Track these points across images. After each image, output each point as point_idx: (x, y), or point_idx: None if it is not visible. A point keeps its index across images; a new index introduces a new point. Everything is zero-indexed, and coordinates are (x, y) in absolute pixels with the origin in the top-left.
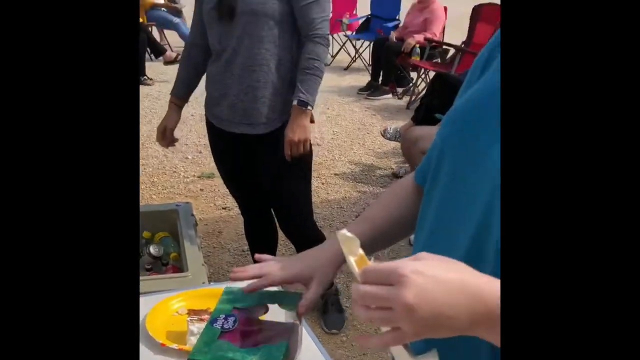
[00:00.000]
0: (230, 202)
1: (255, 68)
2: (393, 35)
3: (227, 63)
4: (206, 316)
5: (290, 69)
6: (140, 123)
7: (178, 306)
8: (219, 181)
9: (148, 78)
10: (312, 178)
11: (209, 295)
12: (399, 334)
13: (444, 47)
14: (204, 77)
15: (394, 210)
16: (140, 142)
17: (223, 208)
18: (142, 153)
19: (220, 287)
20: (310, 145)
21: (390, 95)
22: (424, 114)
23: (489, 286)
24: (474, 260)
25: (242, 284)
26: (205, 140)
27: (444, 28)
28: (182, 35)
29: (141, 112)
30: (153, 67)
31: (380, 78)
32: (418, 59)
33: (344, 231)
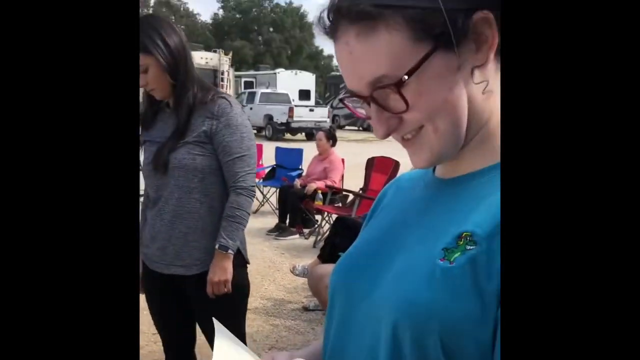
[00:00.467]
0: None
1: (185, 215)
2: (297, 182)
3: (159, 210)
4: None
5: (220, 216)
6: None
7: None
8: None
9: None
10: None
11: None
12: None
13: (344, 193)
14: None
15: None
16: None
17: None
18: None
19: None
20: (248, 285)
21: (297, 236)
22: (329, 252)
23: None
24: None
25: None
26: None
27: (342, 175)
28: None
29: None
30: None
31: (287, 220)
32: (321, 203)
33: None
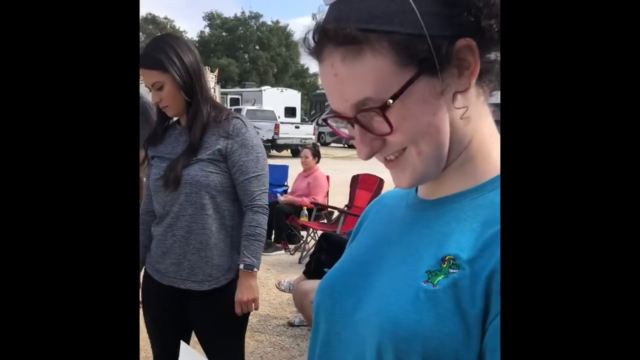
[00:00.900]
0: None
1: (198, 231)
2: (283, 198)
3: (168, 225)
4: None
5: (231, 234)
6: None
7: None
8: None
9: None
10: None
11: None
12: None
13: (329, 209)
14: None
15: None
16: None
17: None
18: None
19: None
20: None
21: (283, 252)
22: (314, 268)
23: None
24: None
25: None
26: None
27: (327, 192)
28: None
29: None
30: None
31: (273, 236)
32: (306, 219)
33: None
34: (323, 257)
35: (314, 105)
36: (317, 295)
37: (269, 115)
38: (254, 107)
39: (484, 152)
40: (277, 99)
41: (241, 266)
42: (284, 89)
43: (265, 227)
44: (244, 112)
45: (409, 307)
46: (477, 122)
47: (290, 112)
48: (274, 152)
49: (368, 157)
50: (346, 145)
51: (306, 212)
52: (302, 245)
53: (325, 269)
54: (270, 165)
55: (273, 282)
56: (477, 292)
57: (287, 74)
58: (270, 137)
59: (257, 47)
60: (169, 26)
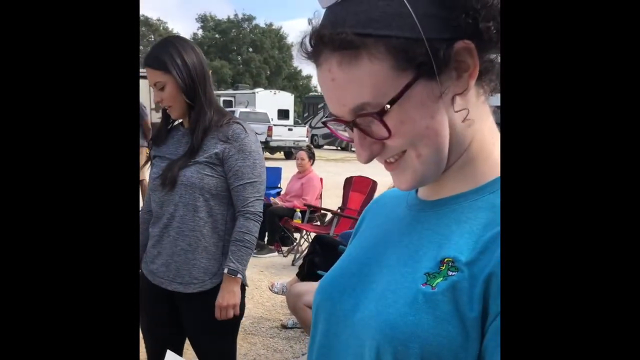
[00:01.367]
0: None
1: (188, 233)
2: (276, 200)
3: (164, 226)
4: None
5: (223, 238)
6: None
7: None
8: None
9: None
10: None
11: None
12: None
13: (322, 211)
14: None
15: None
16: None
17: None
18: None
19: None
20: (242, 307)
21: (276, 254)
22: (308, 270)
23: None
24: None
25: None
26: None
27: (321, 194)
28: None
29: None
30: None
31: (266, 238)
32: (300, 222)
33: None
34: (316, 259)
35: (307, 107)
36: (317, 295)
37: (262, 118)
38: (247, 110)
39: (485, 153)
40: (270, 101)
41: (225, 270)
42: (277, 91)
43: (256, 235)
44: (237, 114)
45: (407, 310)
46: (477, 123)
47: (283, 114)
48: (267, 155)
49: (368, 161)
50: (339, 148)
51: (299, 214)
52: (295, 248)
53: (319, 271)
54: None
55: (266, 285)
56: (475, 295)
57: (280, 76)
58: (263, 140)
59: (250, 50)
60: (161, 28)
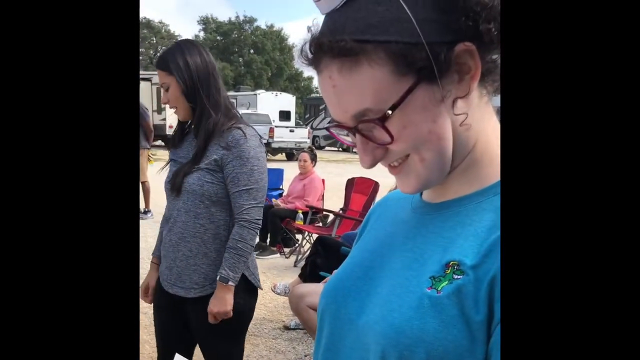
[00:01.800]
0: None
1: (189, 239)
2: (278, 202)
3: (169, 230)
4: None
5: (225, 244)
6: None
7: None
8: None
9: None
10: None
11: None
12: None
13: (324, 212)
14: None
15: None
16: None
17: None
18: None
19: None
20: (249, 310)
21: (278, 255)
22: (310, 272)
23: None
24: None
25: None
26: None
27: (323, 195)
28: None
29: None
30: None
31: (268, 239)
32: (302, 223)
33: None
34: (319, 260)
35: (309, 109)
36: (322, 299)
37: (264, 119)
38: (249, 111)
39: (489, 155)
40: (272, 102)
41: (217, 277)
42: (278, 92)
43: (252, 242)
44: None
45: (412, 314)
46: (481, 125)
47: (284, 115)
48: (268, 156)
49: (371, 166)
50: (341, 149)
51: (301, 215)
52: (298, 249)
53: (321, 272)
54: None
55: (268, 286)
56: (480, 298)
57: (281, 77)
58: (265, 141)
59: (251, 51)
60: (163, 30)
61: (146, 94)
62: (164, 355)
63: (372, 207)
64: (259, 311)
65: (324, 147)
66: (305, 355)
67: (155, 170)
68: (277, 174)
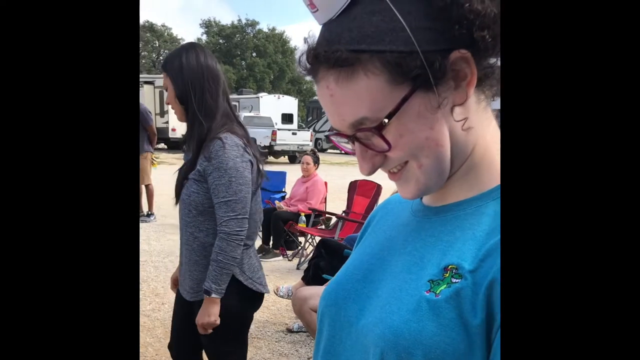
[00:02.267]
0: None
1: (184, 246)
2: (281, 204)
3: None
4: None
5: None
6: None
7: None
8: None
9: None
10: None
11: None
12: None
13: (327, 215)
14: None
15: None
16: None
17: None
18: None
19: None
20: (247, 315)
21: (281, 258)
22: (313, 274)
23: None
24: None
25: None
26: None
27: (325, 198)
28: None
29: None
30: None
31: (271, 242)
32: (304, 225)
33: None
34: (321, 263)
35: (311, 111)
36: (322, 301)
37: (266, 122)
38: (251, 114)
39: (488, 159)
40: (274, 105)
41: (203, 289)
42: (280, 95)
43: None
44: (241, 119)
45: (410, 317)
46: (479, 130)
47: (287, 118)
48: (271, 159)
49: (370, 173)
50: (343, 152)
51: (304, 218)
52: (300, 252)
53: (324, 275)
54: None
55: (271, 288)
56: (478, 302)
57: (283, 80)
58: (267, 144)
59: (253, 54)
60: (166, 33)
61: (149, 97)
62: (177, 351)
63: (373, 210)
64: (262, 314)
65: (326, 149)
66: (308, 358)
67: (158, 173)
68: (280, 177)
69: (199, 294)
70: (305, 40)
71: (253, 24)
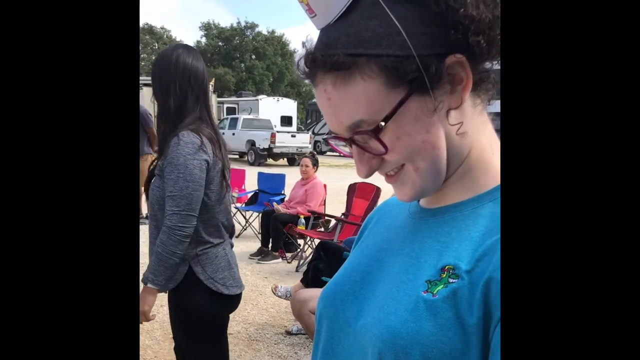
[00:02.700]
0: None
1: (150, 239)
2: (280, 207)
3: None
4: None
5: None
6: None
7: None
8: None
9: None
10: None
11: None
12: None
13: (326, 217)
14: None
15: None
16: None
17: None
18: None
19: None
20: (213, 314)
21: (280, 260)
22: (312, 276)
23: None
24: None
25: None
26: None
27: (324, 200)
28: None
29: None
30: None
31: (270, 244)
32: (303, 228)
33: None
34: (321, 265)
35: (310, 114)
36: (320, 302)
37: (265, 124)
38: (251, 116)
39: (484, 162)
40: (274, 108)
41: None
42: (280, 98)
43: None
44: (240, 121)
45: (408, 317)
46: (475, 133)
47: (286, 121)
48: (270, 161)
49: (367, 176)
50: (342, 155)
51: (303, 220)
52: (299, 254)
53: (323, 277)
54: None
55: (270, 291)
56: (475, 301)
57: (282, 83)
58: (266, 146)
59: (253, 57)
60: (165, 36)
61: (148, 100)
62: (176, 347)
63: (371, 212)
64: (261, 316)
65: (325, 152)
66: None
67: None
68: (279, 179)
69: (165, 285)
70: (304, 44)
71: (252, 26)
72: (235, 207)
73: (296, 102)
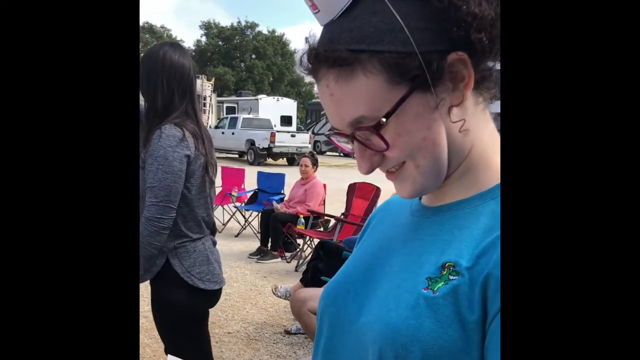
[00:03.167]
0: None
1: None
2: (279, 206)
3: None
4: None
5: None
6: None
7: None
8: None
9: None
10: None
11: None
12: None
13: (326, 217)
14: None
15: None
16: None
17: None
18: None
19: None
20: (190, 307)
21: (279, 259)
22: (311, 276)
23: None
24: None
25: None
26: None
27: (324, 200)
28: None
29: None
30: None
31: (269, 244)
32: (303, 227)
33: None
34: (320, 265)
35: (310, 114)
36: (321, 301)
37: (265, 124)
38: (250, 116)
39: (485, 160)
40: (273, 107)
41: None
42: (280, 97)
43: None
44: (240, 121)
45: (408, 314)
46: (476, 131)
47: (286, 120)
48: (270, 161)
49: (368, 172)
50: (342, 154)
51: (303, 220)
52: (299, 254)
53: (323, 277)
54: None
55: (269, 290)
56: (474, 298)
57: (282, 82)
58: (266, 146)
59: (253, 56)
60: (165, 35)
61: None
62: None
63: (373, 211)
64: (260, 316)
65: (325, 152)
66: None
67: None
68: (279, 179)
69: (142, 276)
70: (307, 40)
71: (252, 26)
72: (235, 207)
73: (296, 102)
